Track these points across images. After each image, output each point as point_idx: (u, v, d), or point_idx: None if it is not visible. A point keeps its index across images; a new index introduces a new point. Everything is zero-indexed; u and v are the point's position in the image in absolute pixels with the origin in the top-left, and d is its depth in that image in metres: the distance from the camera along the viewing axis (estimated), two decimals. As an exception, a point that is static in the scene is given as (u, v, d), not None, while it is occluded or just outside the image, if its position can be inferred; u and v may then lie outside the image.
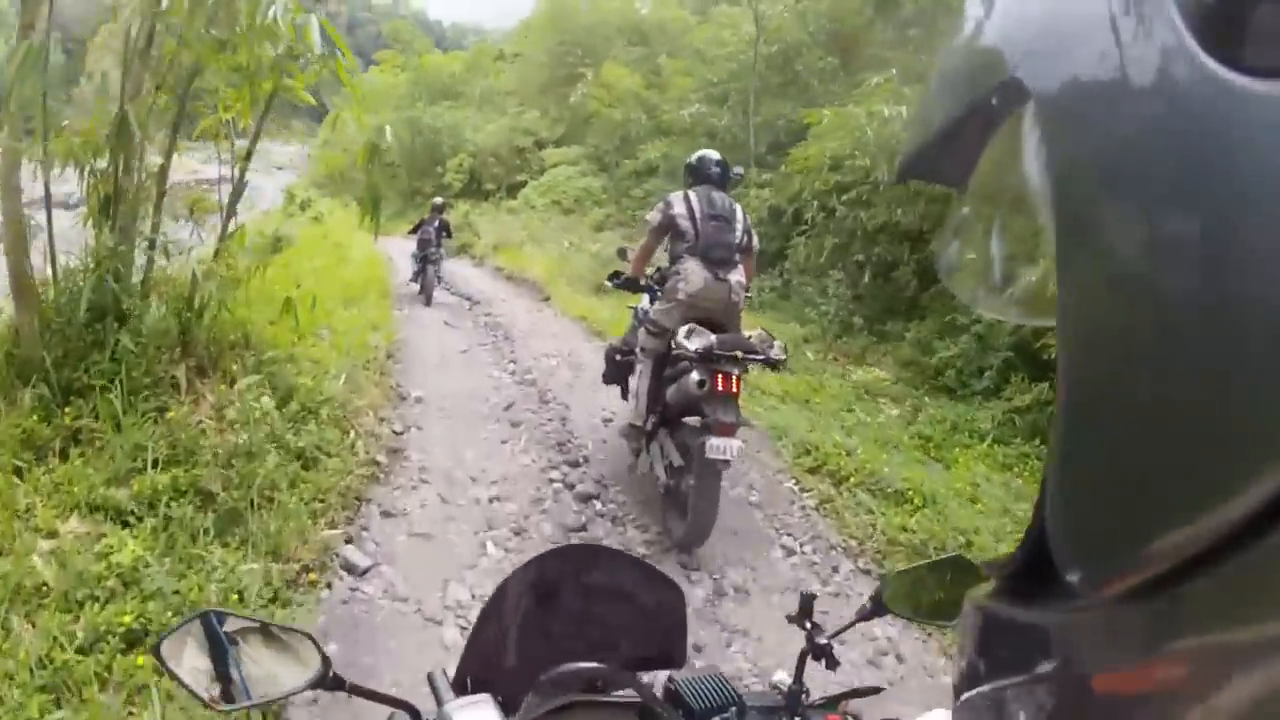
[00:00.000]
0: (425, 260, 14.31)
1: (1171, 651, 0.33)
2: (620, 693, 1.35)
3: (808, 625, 1.50)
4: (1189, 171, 0.30)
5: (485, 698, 1.26)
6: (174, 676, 1.19)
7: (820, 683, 1.52)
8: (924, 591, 1.54)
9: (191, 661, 1.21)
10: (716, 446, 4.69)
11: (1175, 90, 0.31)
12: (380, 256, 17.29)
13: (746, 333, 5.27)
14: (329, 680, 1.24)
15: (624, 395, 6.64)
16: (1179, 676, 0.32)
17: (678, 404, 5.15)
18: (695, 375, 4.83)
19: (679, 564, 5.07)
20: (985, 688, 0.48)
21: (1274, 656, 0.27)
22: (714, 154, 5.85)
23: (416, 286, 14.57)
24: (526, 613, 1.52)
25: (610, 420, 7.62)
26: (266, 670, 1.24)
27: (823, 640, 1.47)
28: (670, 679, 1.47)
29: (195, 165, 10.80)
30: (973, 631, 0.52)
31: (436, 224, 14.93)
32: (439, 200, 16.93)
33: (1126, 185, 0.33)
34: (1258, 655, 0.28)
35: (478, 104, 36.69)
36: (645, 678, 1.43)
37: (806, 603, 1.52)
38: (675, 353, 5.10)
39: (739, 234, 5.43)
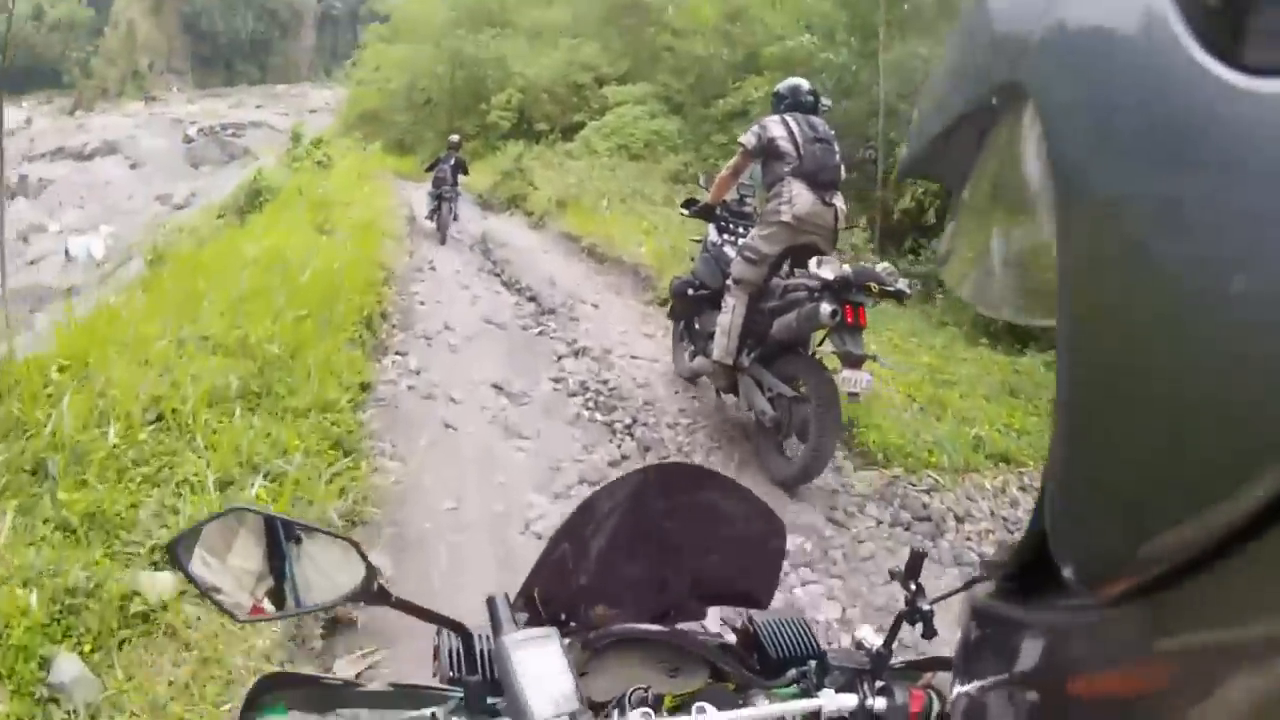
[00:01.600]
0: (440, 198, 14.38)
1: (1170, 651, 0.34)
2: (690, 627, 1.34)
3: (912, 586, 1.30)
4: (1189, 172, 0.30)
5: (551, 632, 1.15)
6: (192, 579, 1.09)
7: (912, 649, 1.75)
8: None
9: (214, 563, 1.11)
10: (849, 379, 4.71)
11: (1175, 90, 0.31)
12: (393, 210, 15.31)
13: (869, 264, 5.30)
14: (374, 593, 1.16)
15: (687, 334, 6.54)
16: (1178, 676, 0.33)
17: (791, 335, 5.14)
18: (827, 305, 4.76)
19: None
20: (983, 682, 0.50)
21: (1272, 656, 0.28)
22: (805, 82, 5.84)
23: (432, 224, 14.73)
24: (615, 529, 1.44)
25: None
26: (302, 578, 1.14)
27: (926, 605, 1.29)
28: (750, 619, 1.41)
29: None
30: (973, 630, 0.54)
31: (452, 162, 14.94)
32: (454, 138, 17.11)
33: (1126, 185, 0.34)
34: (1256, 655, 0.28)
35: (528, 37, 32.57)
36: (723, 613, 1.56)
37: (915, 560, 1.31)
38: (790, 282, 5.21)
39: (839, 159, 5.37)
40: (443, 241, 14.13)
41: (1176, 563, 0.31)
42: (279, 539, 1.15)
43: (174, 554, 1.10)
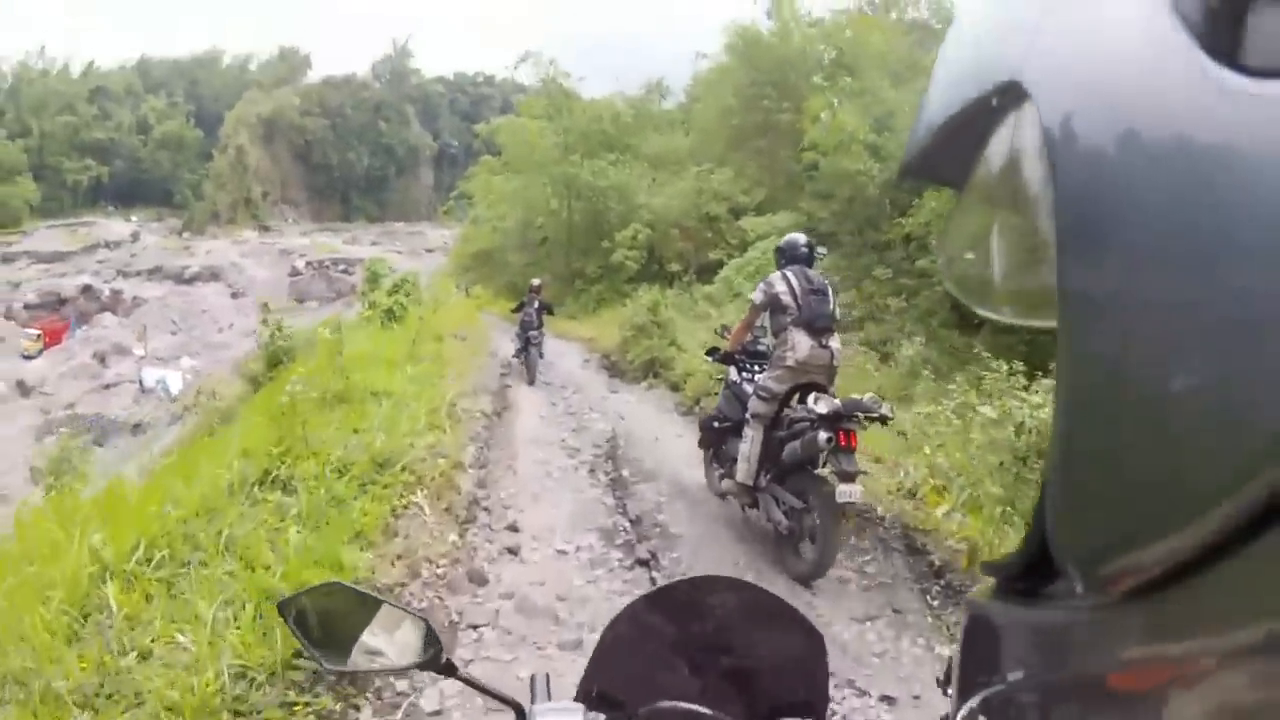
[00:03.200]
0: (528, 342, 14.84)
1: (1170, 651, 0.34)
2: None
3: (949, 692, 1.01)
4: (1188, 172, 0.30)
5: (578, 707, 1.26)
6: (294, 633, 1.31)
7: None
8: None
9: (313, 624, 1.33)
10: (845, 491, 5.42)
11: (1175, 90, 0.31)
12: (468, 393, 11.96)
13: (857, 396, 6.00)
14: (441, 665, 1.30)
15: (714, 460, 7.37)
16: (1178, 676, 0.33)
17: (797, 459, 5.89)
18: (823, 434, 5.57)
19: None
20: (987, 689, 0.50)
21: (1270, 657, 0.28)
22: (802, 236, 6.78)
23: (521, 364, 15.07)
24: (662, 635, 1.49)
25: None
26: (381, 644, 1.31)
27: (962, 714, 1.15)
28: None
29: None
30: (973, 631, 0.55)
31: (536, 305, 15.53)
32: (536, 281, 17.51)
33: (1126, 186, 0.34)
34: (1255, 655, 0.29)
35: (651, 165, 30.01)
36: None
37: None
38: (795, 414, 6.05)
39: (832, 305, 6.14)
40: (531, 382, 14.50)
41: (1176, 563, 0.31)
42: (367, 610, 1.33)
43: (282, 612, 1.33)
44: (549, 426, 11.41)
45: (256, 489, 6.52)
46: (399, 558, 5.76)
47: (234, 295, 46.12)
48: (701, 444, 7.65)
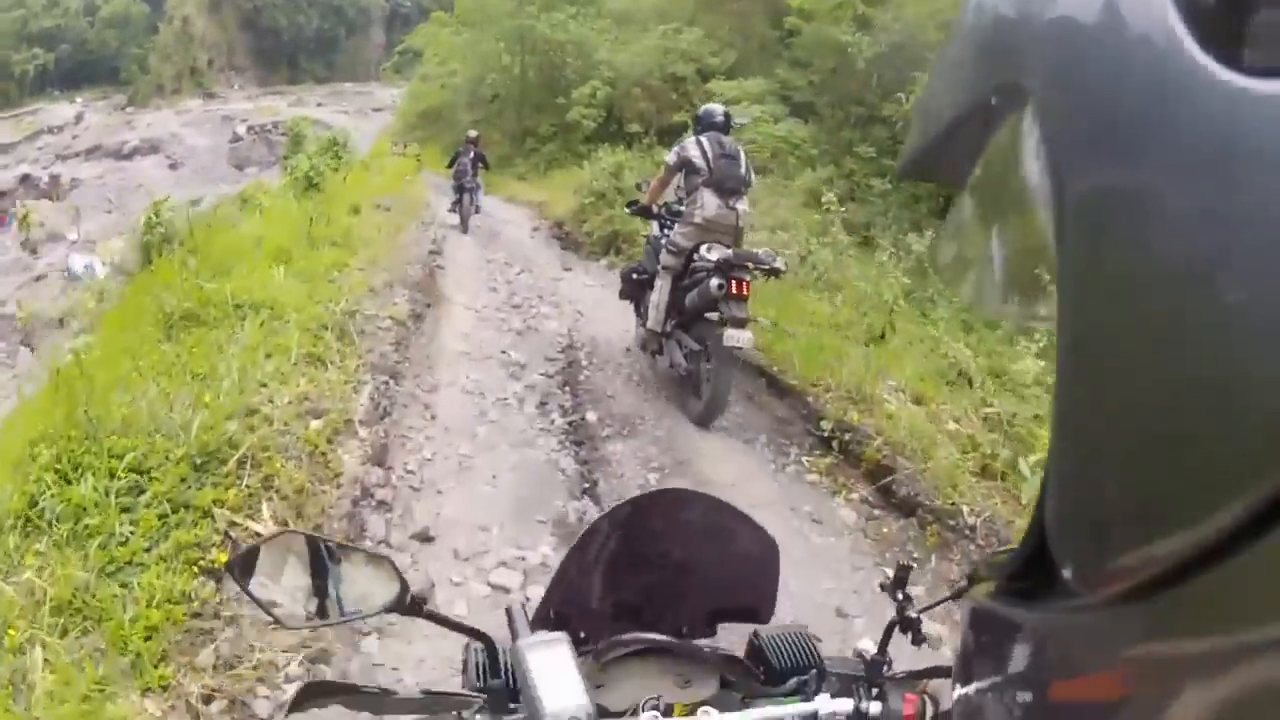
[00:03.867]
0: (462, 189, 14.65)
1: (1170, 652, 0.33)
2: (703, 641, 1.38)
3: (899, 596, 1.35)
4: (1189, 173, 0.30)
5: (561, 636, 1.17)
6: (250, 595, 1.19)
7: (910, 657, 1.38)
8: None
9: (266, 579, 1.22)
10: (733, 336, 5.55)
11: (1175, 90, 0.31)
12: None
13: (754, 248, 6.31)
14: (407, 604, 1.24)
15: (636, 311, 7.37)
16: (1178, 677, 0.32)
17: (696, 306, 6.01)
18: (715, 280, 5.73)
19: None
20: (984, 683, 0.49)
21: (1270, 657, 0.28)
22: (719, 106, 7.01)
23: (455, 217, 14.83)
24: (615, 553, 1.49)
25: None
26: (345, 591, 1.25)
27: (913, 614, 1.33)
28: (755, 634, 1.45)
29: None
30: (973, 630, 0.53)
31: (472, 155, 15.12)
32: (472, 132, 16.94)
33: (1126, 186, 0.33)
34: (1255, 656, 0.28)
35: (615, 22, 26.43)
36: (735, 628, 1.51)
37: (902, 573, 1.36)
38: (695, 265, 6.16)
39: (744, 170, 6.32)
40: (465, 231, 14.31)
41: (1176, 564, 0.31)
42: (323, 557, 1.22)
43: (232, 572, 1.21)
44: (487, 327, 8.62)
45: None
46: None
47: (171, 167, 42.85)
48: (622, 295, 7.68)
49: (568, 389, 6.82)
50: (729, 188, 6.16)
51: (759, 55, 21.44)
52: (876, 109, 16.43)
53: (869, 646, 1.36)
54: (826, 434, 5.87)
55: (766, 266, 5.88)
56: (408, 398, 6.24)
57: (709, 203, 6.12)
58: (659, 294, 6.49)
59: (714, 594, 1.54)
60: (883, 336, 7.58)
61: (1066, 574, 0.38)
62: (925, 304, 10.06)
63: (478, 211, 14.93)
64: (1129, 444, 0.33)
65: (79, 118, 55.99)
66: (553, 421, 6.19)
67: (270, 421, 4.78)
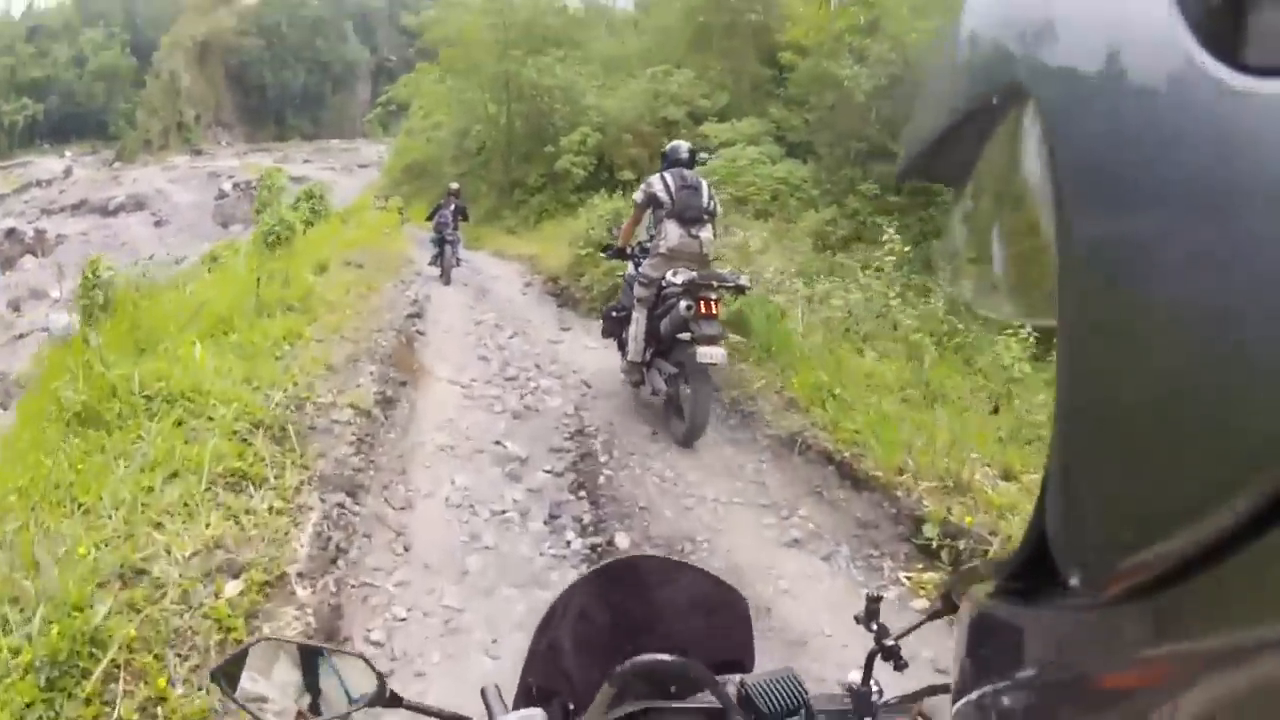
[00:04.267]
0: (443, 241, 14.42)
1: (1171, 652, 0.32)
2: (695, 698, 1.34)
3: (874, 627, 1.35)
4: (1189, 172, 0.29)
5: (537, 712, 1.21)
6: (233, 698, 1.17)
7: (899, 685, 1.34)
8: None
9: (250, 685, 1.20)
10: (705, 354, 5.60)
11: (1175, 90, 0.30)
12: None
13: (719, 269, 6.66)
14: (385, 699, 1.21)
15: (620, 348, 7.25)
16: (1178, 676, 0.31)
17: (669, 330, 6.14)
18: (684, 303, 5.85)
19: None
20: (985, 687, 0.48)
21: (1271, 657, 0.27)
22: (685, 143, 6.96)
23: (436, 270, 14.46)
24: (587, 624, 1.45)
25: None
26: (327, 689, 1.23)
27: (889, 641, 1.32)
28: (742, 683, 1.33)
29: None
30: (972, 631, 0.52)
31: (452, 208, 15.13)
32: (454, 185, 17.08)
33: (1126, 185, 0.32)
34: (1256, 656, 0.27)
35: (602, 67, 25.31)
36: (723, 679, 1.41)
37: (872, 604, 1.36)
38: (664, 291, 6.28)
39: (705, 200, 6.44)
40: (447, 282, 13.92)
41: (1176, 563, 0.30)
42: (303, 660, 1.22)
43: (218, 680, 1.17)
44: (476, 408, 7.00)
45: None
46: None
47: (157, 224, 41.48)
48: (604, 333, 7.81)
49: (584, 494, 5.19)
50: (689, 217, 6.34)
51: (751, 96, 21.02)
52: (878, 144, 15.74)
53: (856, 679, 1.34)
54: (931, 543, 4.36)
55: (732, 285, 6.09)
56: (371, 522, 4.58)
57: (672, 233, 6.30)
58: (635, 326, 6.62)
59: (695, 653, 1.33)
60: (996, 410, 6.50)
61: (1066, 574, 0.37)
62: (965, 348, 8.80)
63: (459, 264, 14.77)
64: (1129, 443, 0.32)
65: (68, 171, 54.97)
66: (569, 545, 4.54)
67: (162, 589, 3.18)
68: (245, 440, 4.57)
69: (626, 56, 25.60)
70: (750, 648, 1.53)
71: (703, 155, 8.00)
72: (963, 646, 0.52)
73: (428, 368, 7.87)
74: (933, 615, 1.33)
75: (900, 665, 1.30)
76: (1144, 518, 0.31)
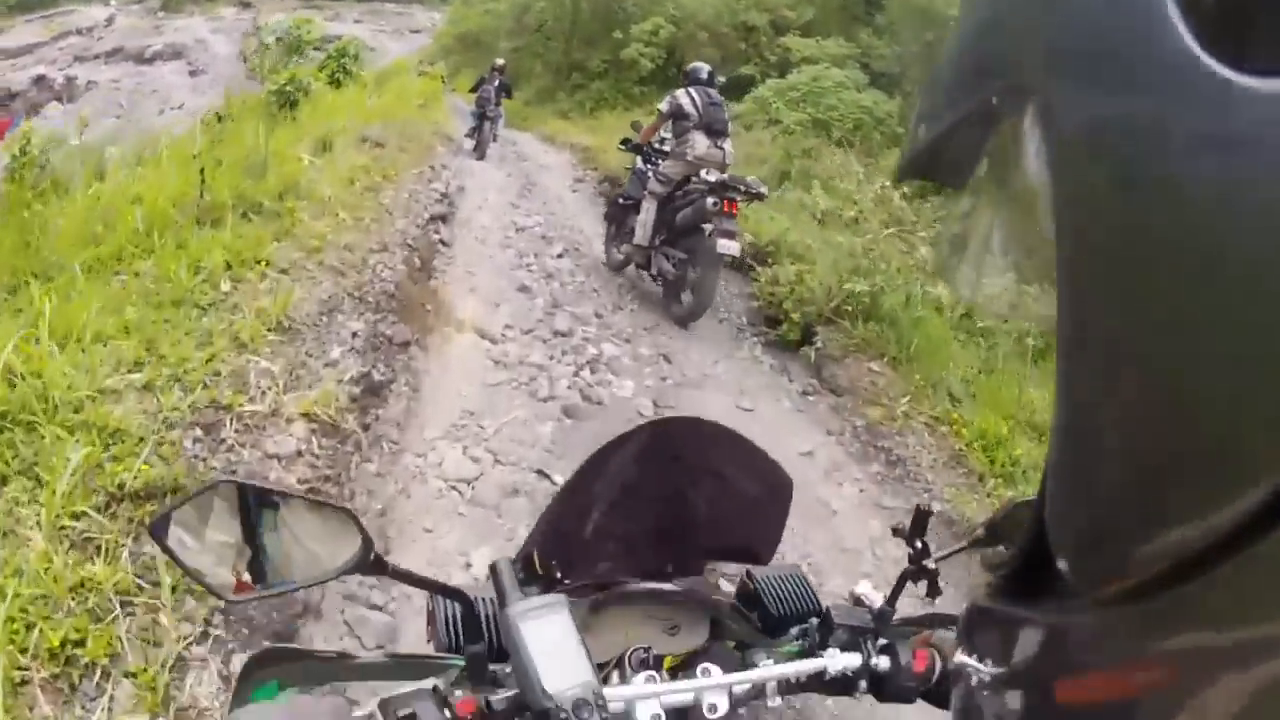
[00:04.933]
0: (483, 116, 13.28)
1: (1170, 651, 0.32)
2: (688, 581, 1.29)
3: (917, 544, 1.17)
4: (1189, 172, 0.28)
5: (560, 599, 0.98)
6: (176, 560, 0.91)
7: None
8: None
9: (199, 542, 0.93)
10: (725, 245, 5.92)
11: (1176, 90, 0.29)
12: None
13: (742, 176, 6.64)
14: (370, 563, 0.96)
15: (616, 232, 7.60)
16: (1178, 676, 0.31)
17: (689, 221, 6.32)
18: (711, 198, 6.08)
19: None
20: (986, 684, 0.47)
21: (1270, 657, 0.26)
22: (704, 64, 7.22)
23: (471, 143, 13.29)
24: (621, 481, 1.33)
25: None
26: (298, 551, 0.97)
27: (930, 564, 1.16)
28: (748, 574, 1.29)
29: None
30: (972, 628, 0.51)
31: (496, 84, 13.82)
32: (499, 61, 15.49)
33: (1127, 185, 0.32)
34: (1254, 656, 0.27)
35: None
36: (724, 568, 1.44)
37: (920, 518, 1.18)
38: (691, 186, 6.55)
39: (726, 116, 6.84)
40: (481, 157, 12.80)
41: (1175, 563, 0.29)
42: (267, 511, 0.95)
43: (154, 534, 0.92)
44: (509, 388, 4.72)
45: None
46: None
47: (192, 73, 37.51)
48: (606, 218, 7.93)
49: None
50: (716, 129, 6.62)
51: (839, 15, 18.33)
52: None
53: (866, 591, 1.32)
54: None
55: (754, 191, 6.30)
56: None
57: (700, 142, 6.53)
58: (646, 214, 6.83)
59: (712, 531, 1.38)
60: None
61: (1067, 573, 0.36)
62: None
63: (496, 140, 13.70)
64: (1129, 443, 0.32)
65: (110, 20, 50.43)
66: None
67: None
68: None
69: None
70: (774, 540, 1.44)
71: (720, 78, 7.79)
72: (963, 642, 0.50)
73: (446, 305, 5.51)
74: (974, 543, 1.11)
75: (934, 591, 1.15)
76: (1142, 518, 0.31)
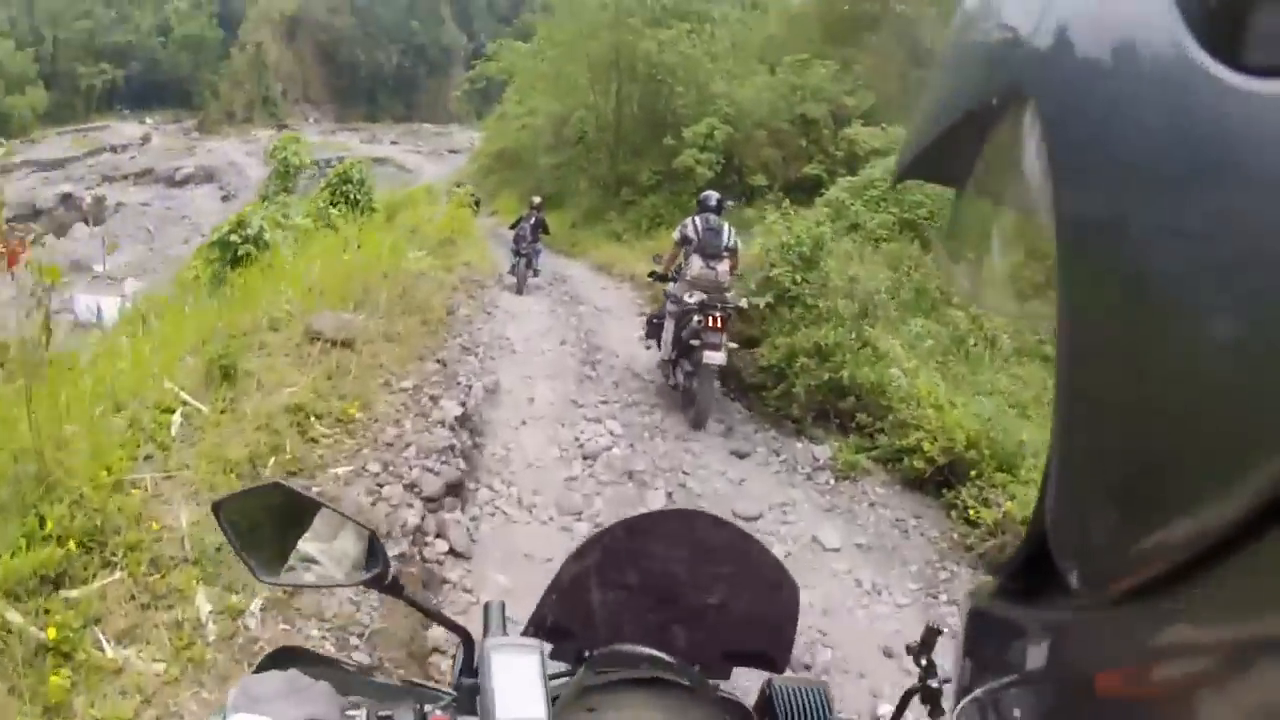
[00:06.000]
0: (519, 253, 13.49)
1: (1171, 651, 0.32)
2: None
3: (923, 662, 1.13)
4: (1189, 172, 0.29)
5: (536, 643, 1.03)
6: (229, 536, 1.07)
7: None
8: None
9: (250, 528, 1.10)
10: (710, 356, 6.46)
11: (1175, 90, 0.29)
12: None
13: (730, 293, 7.17)
14: (387, 584, 1.09)
15: (658, 345, 7.90)
16: (1178, 676, 0.31)
17: (686, 338, 6.85)
18: (696, 318, 6.67)
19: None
20: (987, 687, 0.47)
21: (1271, 656, 0.26)
22: (713, 193, 7.75)
23: (513, 279, 13.24)
24: (620, 566, 1.32)
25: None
26: (325, 555, 1.10)
27: (935, 684, 1.11)
28: (769, 683, 1.23)
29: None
30: (974, 631, 0.51)
31: (533, 220, 14.14)
32: (536, 199, 15.25)
33: (1126, 185, 0.32)
34: (1255, 655, 0.27)
35: (730, 50, 20.11)
36: (738, 675, 1.38)
37: (929, 636, 1.14)
38: (685, 308, 6.95)
39: (725, 239, 7.15)
40: (519, 292, 12.69)
41: (1176, 562, 0.29)
42: (310, 517, 1.10)
43: (217, 513, 1.07)
44: None
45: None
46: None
47: (224, 198, 37.37)
48: (646, 336, 8.32)
49: None
50: (710, 253, 7.02)
51: (902, 99, 16.72)
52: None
53: (886, 712, 1.23)
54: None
55: (733, 306, 6.86)
56: None
57: (695, 264, 7.01)
58: (667, 333, 7.33)
59: (729, 632, 1.35)
60: None
61: (1067, 574, 0.37)
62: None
63: (535, 275, 13.62)
64: (1128, 444, 0.32)
65: (145, 138, 51.71)
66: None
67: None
68: None
69: (753, 42, 20.85)
70: (787, 645, 1.39)
71: (728, 203, 8.67)
72: (965, 645, 0.50)
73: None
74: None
75: (938, 713, 1.09)
76: (1143, 518, 0.30)
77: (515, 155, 27.21)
